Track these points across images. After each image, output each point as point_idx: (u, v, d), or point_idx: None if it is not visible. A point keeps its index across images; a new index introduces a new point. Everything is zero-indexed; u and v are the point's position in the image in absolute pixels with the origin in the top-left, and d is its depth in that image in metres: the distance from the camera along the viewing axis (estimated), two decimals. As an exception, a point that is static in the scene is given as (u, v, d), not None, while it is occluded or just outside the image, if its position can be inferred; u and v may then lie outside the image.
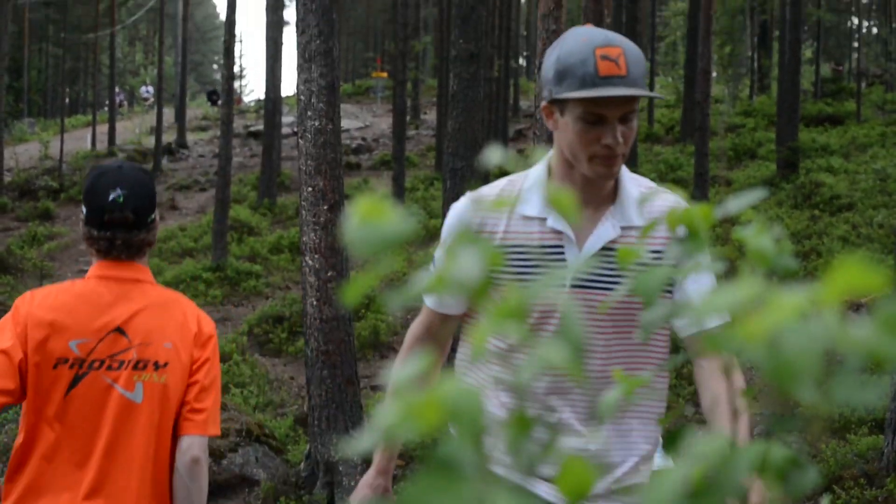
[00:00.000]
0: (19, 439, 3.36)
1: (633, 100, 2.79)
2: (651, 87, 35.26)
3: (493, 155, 1.12)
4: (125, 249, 3.44)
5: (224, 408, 10.73)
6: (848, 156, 26.61)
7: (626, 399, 1.36)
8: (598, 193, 2.95)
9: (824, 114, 32.16)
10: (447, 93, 15.86)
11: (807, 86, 36.17)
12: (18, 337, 3.30)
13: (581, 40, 2.79)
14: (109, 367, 3.35)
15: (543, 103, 2.91)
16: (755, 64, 41.43)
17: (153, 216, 3.52)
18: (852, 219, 19.96)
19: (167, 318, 3.46)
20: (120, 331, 3.37)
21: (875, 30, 47.49)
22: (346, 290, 0.98)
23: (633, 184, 2.99)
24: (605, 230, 2.93)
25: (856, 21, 46.04)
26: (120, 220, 3.40)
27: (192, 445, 3.45)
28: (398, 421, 0.83)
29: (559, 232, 2.91)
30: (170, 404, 3.42)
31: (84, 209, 3.47)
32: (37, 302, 3.37)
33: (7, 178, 33.60)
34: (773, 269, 1.38)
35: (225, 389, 12.99)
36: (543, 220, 2.93)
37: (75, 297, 3.40)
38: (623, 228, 2.91)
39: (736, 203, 1.45)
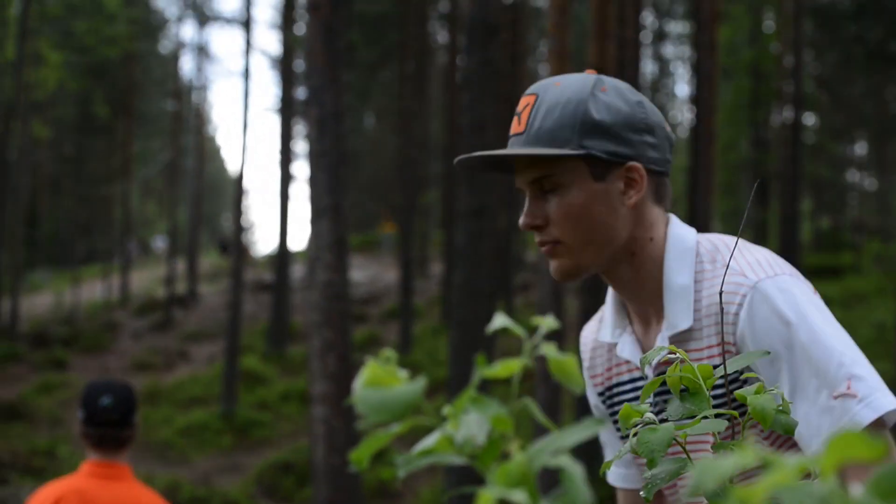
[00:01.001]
0: None
1: (543, 163, 2.12)
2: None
3: (497, 321, 1.15)
4: (113, 442, 4.39)
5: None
6: (848, 306, 26.61)
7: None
8: (641, 292, 2.21)
9: (824, 265, 32.24)
10: (454, 245, 16.02)
11: (807, 237, 36.40)
12: None
13: None
14: None
15: None
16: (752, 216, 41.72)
17: (134, 418, 4.47)
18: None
19: None
20: None
21: (871, 183, 47.98)
22: (355, 452, 1.00)
23: (679, 265, 2.14)
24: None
25: (855, 175, 46.61)
26: (108, 420, 4.38)
27: None
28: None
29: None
30: None
31: (81, 412, 4.43)
32: (41, 497, 4.26)
33: (22, 328, 33.71)
34: (774, 426, 1.40)
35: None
36: (614, 345, 2.32)
37: (67, 488, 4.32)
38: (673, 339, 2.12)
39: (737, 362, 1.47)
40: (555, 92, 2.11)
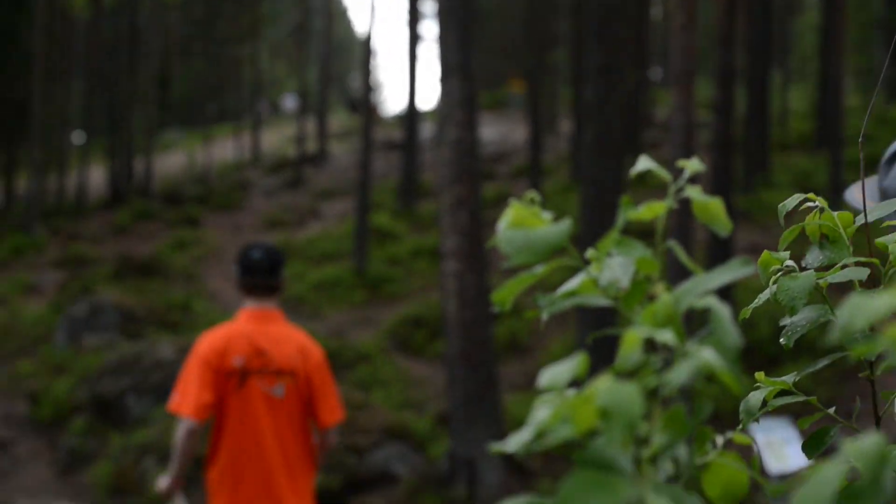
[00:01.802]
0: (213, 429, 5.30)
1: None
2: (785, 94, 34.56)
3: (641, 163, 1.14)
4: (264, 290, 5.40)
5: (366, 406, 10.91)
6: None
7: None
8: None
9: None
10: (583, 103, 15.83)
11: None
12: (205, 364, 5.21)
13: None
14: (260, 375, 5.27)
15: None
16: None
17: (281, 271, 5.49)
18: None
19: (292, 343, 5.41)
20: (264, 351, 5.30)
21: None
22: (498, 292, 1.00)
23: None
24: None
25: None
26: (259, 270, 5.38)
27: (331, 433, 5.50)
28: (553, 420, 0.85)
29: None
30: (301, 399, 5.37)
31: (236, 267, 5.46)
32: (209, 338, 5.34)
33: (157, 186, 34.48)
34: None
35: (367, 389, 13.19)
36: None
37: (233, 330, 5.35)
38: None
39: (877, 210, 1.43)
40: None
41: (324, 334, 16.55)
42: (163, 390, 12.32)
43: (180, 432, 5.21)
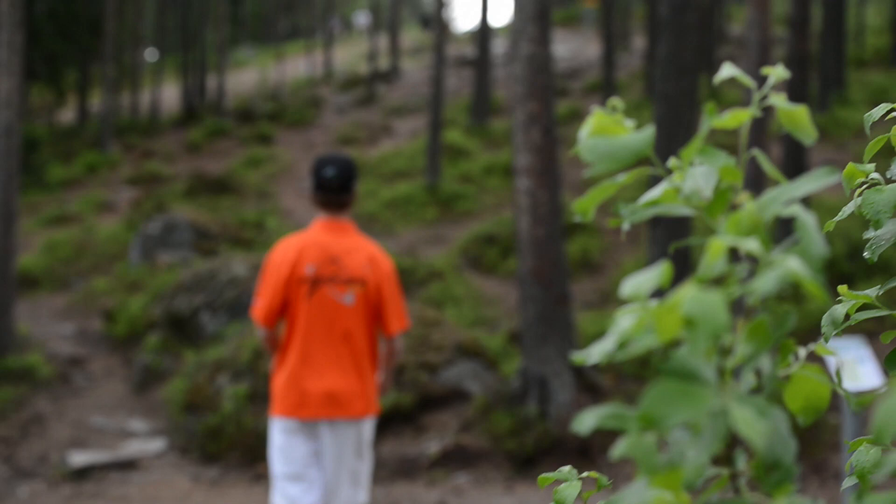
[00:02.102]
0: (283, 333, 5.60)
1: None
2: (861, 9, 33.68)
3: (725, 70, 1.11)
4: (336, 205, 5.63)
5: (438, 324, 10.97)
6: None
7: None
8: None
9: None
10: (657, 18, 15.60)
11: None
12: (276, 272, 5.52)
13: None
14: (331, 283, 5.52)
15: None
16: None
17: (353, 185, 5.68)
18: None
19: (363, 253, 5.64)
20: (336, 260, 5.54)
21: None
22: (581, 201, 0.99)
23: None
24: None
25: None
26: (331, 187, 5.59)
27: (397, 340, 5.74)
28: (636, 330, 0.84)
29: None
30: (369, 307, 5.62)
31: (311, 180, 5.67)
32: (283, 246, 5.63)
33: (229, 103, 34.64)
34: None
35: (439, 306, 13.25)
36: None
37: (307, 239, 5.59)
38: None
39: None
40: None
41: (396, 252, 16.62)
42: (237, 307, 12.44)
43: (258, 336, 5.71)
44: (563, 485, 1.31)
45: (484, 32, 26.83)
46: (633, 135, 0.99)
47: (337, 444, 5.56)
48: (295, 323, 5.53)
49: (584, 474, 1.34)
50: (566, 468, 1.34)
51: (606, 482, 1.34)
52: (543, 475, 1.32)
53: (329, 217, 5.65)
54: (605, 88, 25.39)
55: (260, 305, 5.57)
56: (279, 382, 5.56)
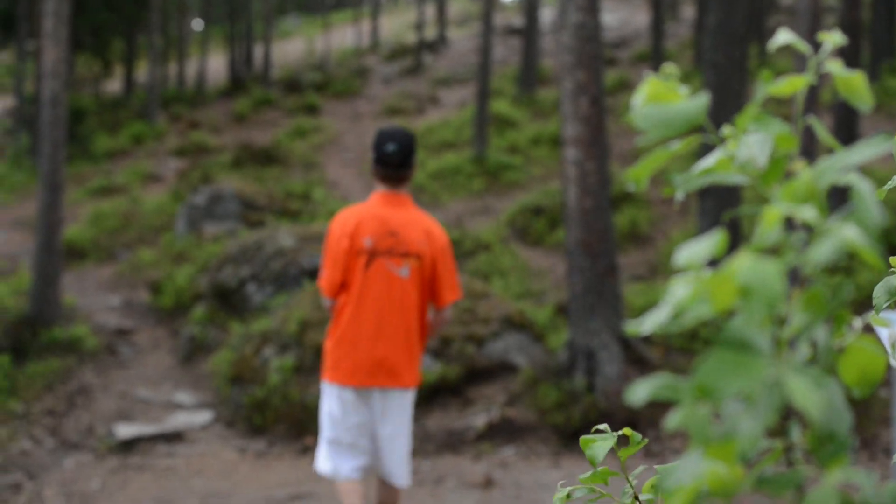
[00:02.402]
0: (338, 304, 5.74)
1: None
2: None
3: (780, 36, 1.09)
4: (395, 179, 5.76)
5: (485, 296, 10.95)
6: None
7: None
8: None
9: None
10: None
11: None
12: (336, 244, 5.67)
13: None
14: (388, 255, 5.66)
15: None
16: None
17: (413, 160, 5.80)
18: None
19: (419, 226, 5.78)
20: (393, 233, 5.68)
21: None
22: (634, 170, 0.98)
23: None
24: None
25: None
26: (391, 163, 5.71)
27: (447, 310, 5.90)
28: (690, 300, 0.83)
29: None
30: (424, 280, 5.77)
31: (373, 153, 5.79)
32: (343, 217, 5.78)
33: (275, 74, 34.69)
34: None
35: (486, 278, 13.24)
36: None
37: (365, 212, 5.73)
38: None
39: None
40: None
41: (443, 223, 16.61)
42: (283, 279, 12.44)
43: (325, 306, 5.89)
44: (595, 442, 1.31)
45: (532, 1, 26.69)
46: (687, 102, 0.98)
47: (387, 413, 5.75)
48: (351, 293, 5.69)
49: (619, 432, 1.34)
50: (603, 426, 1.34)
51: (640, 439, 1.34)
52: (585, 436, 1.32)
53: (388, 190, 5.81)
54: (653, 58, 25.22)
55: (325, 276, 5.76)
56: (333, 349, 5.74)
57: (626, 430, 1.33)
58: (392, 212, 5.76)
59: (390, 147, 5.74)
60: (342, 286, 5.73)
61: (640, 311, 11.45)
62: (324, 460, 5.79)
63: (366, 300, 5.67)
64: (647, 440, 1.31)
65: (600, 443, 1.30)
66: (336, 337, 5.73)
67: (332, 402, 5.74)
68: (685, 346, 10.36)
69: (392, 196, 5.80)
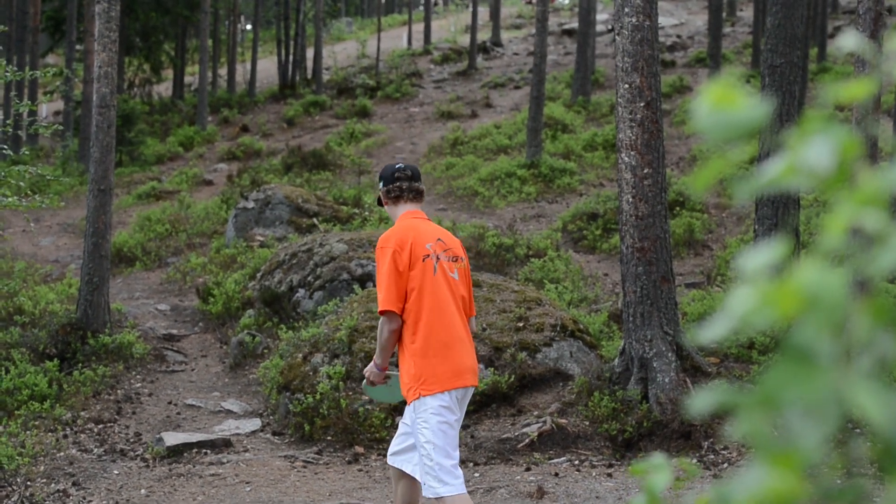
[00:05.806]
0: (409, 306, 5.86)
1: None
2: None
3: (846, 40, 1.08)
4: (411, 192, 6.16)
5: (539, 303, 10.89)
6: None
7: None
8: None
9: None
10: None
11: None
12: (396, 256, 5.80)
13: None
14: (444, 259, 5.94)
15: None
16: None
17: (420, 180, 6.24)
18: None
19: (450, 235, 6.18)
20: (440, 240, 6.00)
21: None
22: (696, 177, 0.96)
23: None
24: None
25: None
26: (404, 175, 6.14)
27: (473, 321, 6.20)
28: (754, 308, 0.81)
29: None
30: (467, 283, 6.15)
31: (386, 181, 6.18)
32: (390, 235, 5.90)
33: (326, 77, 34.77)
34: None
35: (539, 285, 13.18)
36: None
37: (410, 226, 5.95)
38: None
39: None
40: None
41: (495, 229, 16.52)
42: (333, 285, 12.36)
43: (387, 330, 5.86)
44: (653, 474, 1.29)
45: (587, 2, 26.61)
46: (750, 108, 0.96)
47: (462, 413, 5.98)
48: (423, 300, 5.84)
49: (675, 461, 1.31)
50: (657, 456, 1.31)
51: (698, 470, 1.31)
52: (635, 465, 1.30)
53: (414, 207, 6.20)
54: (711, 60, 25.11)
55: (388, 297, 5.82)
56: (422, 360, 5.81)
57: (683, 462, 1.30)
58: (427, 224, 6.13)
59: (400, 165, 6.25)
60: (413, 296, 5.84)
61: (696, 319, 11.35)
62: (440, 485, 5.68)
63: (440, 304, 5.85)
64: (701, 465, 1.29)
65: (658, 476, 1.27)
66: (420, 348, 5.81)
67: (442, 413, 5.75)
68: (741, 355, 10.23)
69: (419, 212, 6.20)
